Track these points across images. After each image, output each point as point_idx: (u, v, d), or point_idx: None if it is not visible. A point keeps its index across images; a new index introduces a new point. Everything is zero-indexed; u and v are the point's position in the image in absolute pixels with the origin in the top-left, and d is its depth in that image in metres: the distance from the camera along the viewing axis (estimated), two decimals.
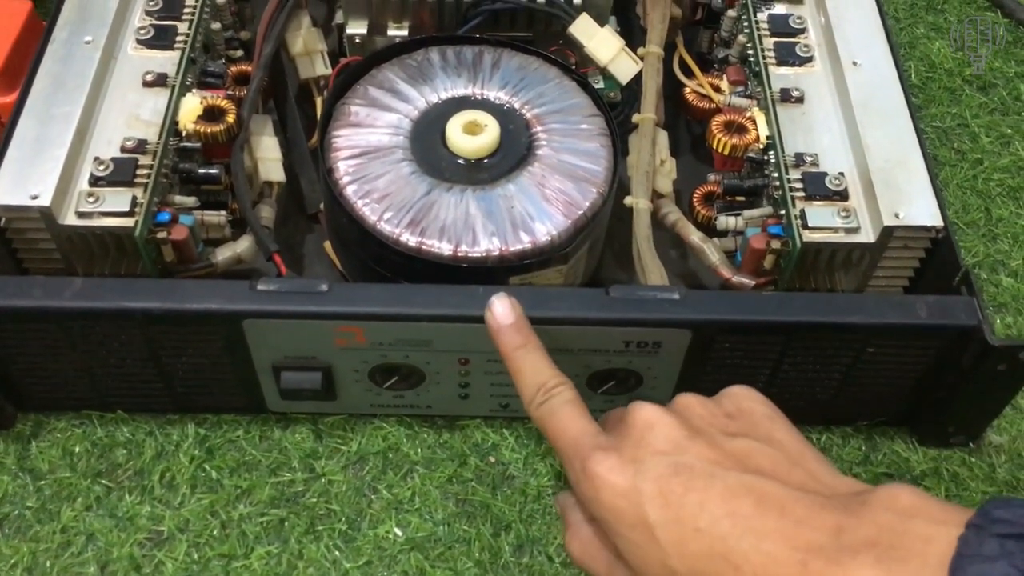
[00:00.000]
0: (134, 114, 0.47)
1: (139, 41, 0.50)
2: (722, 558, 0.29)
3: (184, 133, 0.47)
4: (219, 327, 0.41)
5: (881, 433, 0.47)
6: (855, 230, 0.45)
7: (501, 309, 0.38)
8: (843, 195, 0.45)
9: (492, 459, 0.46)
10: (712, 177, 0.52)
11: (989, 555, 0.26)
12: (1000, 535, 0.26)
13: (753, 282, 0.46)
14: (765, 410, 0.34)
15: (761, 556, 0.29)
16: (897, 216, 0.44)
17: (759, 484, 0.30)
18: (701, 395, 0.35)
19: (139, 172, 0.44)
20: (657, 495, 0.31)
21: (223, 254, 0.47)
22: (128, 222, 0.43)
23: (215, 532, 0.43)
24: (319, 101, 0.56)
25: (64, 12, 0.50)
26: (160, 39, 0.50)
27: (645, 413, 0.33)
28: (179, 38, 0.50)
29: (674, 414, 0.33)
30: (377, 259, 0.46)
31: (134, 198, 0.43)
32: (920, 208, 0.44)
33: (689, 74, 0.55)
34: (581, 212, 0.46)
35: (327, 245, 0.51)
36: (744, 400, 0.35)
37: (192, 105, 0.48)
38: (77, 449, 0.45)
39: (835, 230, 0.44)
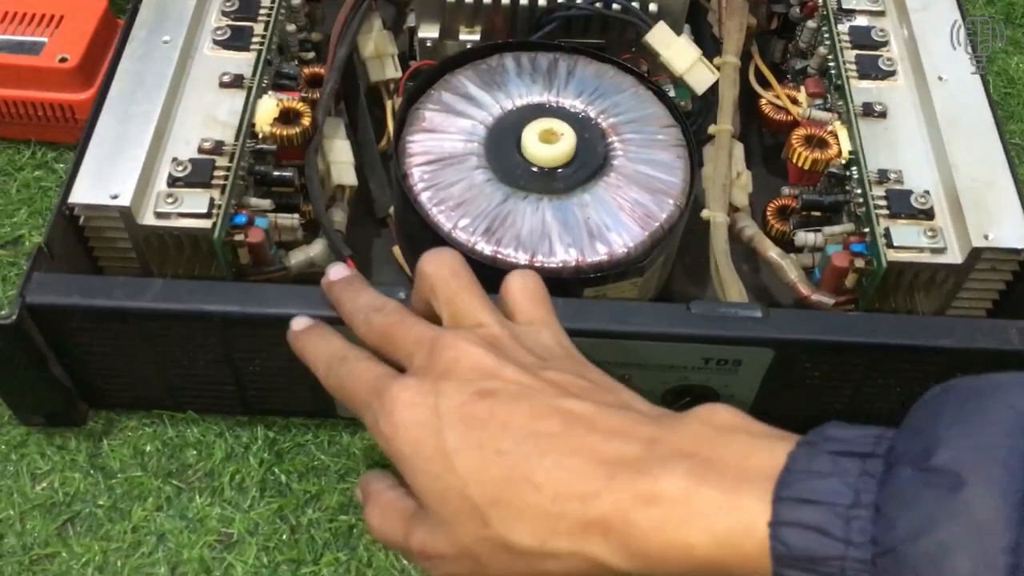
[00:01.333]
0: (211, 115, 0.47)
1: (216, 42, 0.50)
2: (523, 479, 0.27)
3: (260, 135, 0.47)
4: None
5: None
6: (941, 250, 0.43)
7: (297, 323, 0.38)
8: (929, 214, 0.44)
9: None
10: (786, 191, 0.51)
11: (820, 471, 0.24)
12: (834, 452, 0.24)
13: (833, 300, 0.46)
14: (572, 351, 0.33)
15: (563, 472, 0.27)
16: (986, 237, 0.43)
17: (568, 403, 0.28)
18: (503, 319, 0.33)
19: (216, 174, 0.44)
20: (458, 420, 0.28)
21: (296, 257, 0.47)
22: (206, 224, 0.43)
23: (284, 537, 0.43)
24: (389, 104, 0.55)
25: (142, 12, 0.50)
26: (236, 40, 0.50)
27: (451, 344, 0.31)
28: (255, 39, 0.50)
29: (482, 343, 0.31)
30: None
31: (212, 200, 0.43)
32: (1010, 230, 0.43)
33: (765, 85, 0.54)
34: (658, 224, 0.45)
35: (396, 250, 0.51)
36: (546, 340, 0.33)
37: (268, 107, 0.48)
38: (148, 448, 0.45)
39: (921, 250, 0.43)
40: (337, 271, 0.38)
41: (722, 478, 0.25)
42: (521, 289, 0.34)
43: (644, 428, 0.27)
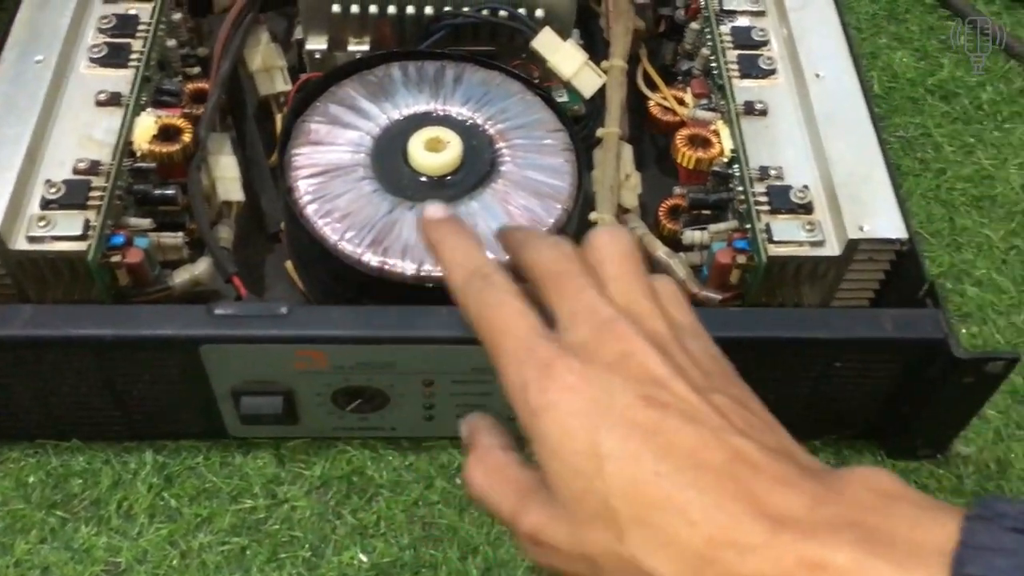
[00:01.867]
0: (87, 135, 0.46)
1: (92, 60, 0.49)
2: (678, 511, 0.25)
3: (139, 153, 0.46)
4: (176, 353, 0.40)
5: (849, 447, 0.47)
6: (820, 243, 0.44)
7: (434, 211, 0.35)
8: (808, 208, 0.45)
9: (459, 481, 0.45)
10: (677, 191, 0.52)
11: (1003, 548, 0.23)
12: (1013, 529, 0.23)
13: (720, 297, 0.46)
14: (727, 368, 0.31)
15: (724, 516, 0.25)
16: (862, 229, 0.44)
17: (735, 440, 0.26)
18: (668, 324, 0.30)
19: (92, 194, 0.43)
20: (620, 423, 0.26)
21: (180, 277, 0.46)
22: (81, 246, 0.42)
23: (174, 562, 0.42)
24: (279, 118, 0.55)
25: (14, 31, 0.49)
26: (114, 57, 0.49)
27: (624, 335, 0.28)
28: (133, 56, 0.49)
29: (653, 343, 0.28)
30: (339, 279, 0.45)
31: (87, 221, 0.42)
32: (885, 221, 0.44)
33: (653, 87, 0.55)
34: (546, 229, 0.45)
35: (288, 265, 0.50)
36: (703, 350, 0.31)
37: (147, 124, 0.47)
38: (31, 479, 0.44)
39: (800, 244, 0.44)
40: (435, 211, 0.35)
41: (892, 550, 0.23)
42: (663, 294, 0.31)
43: (807, 484, 0.25)
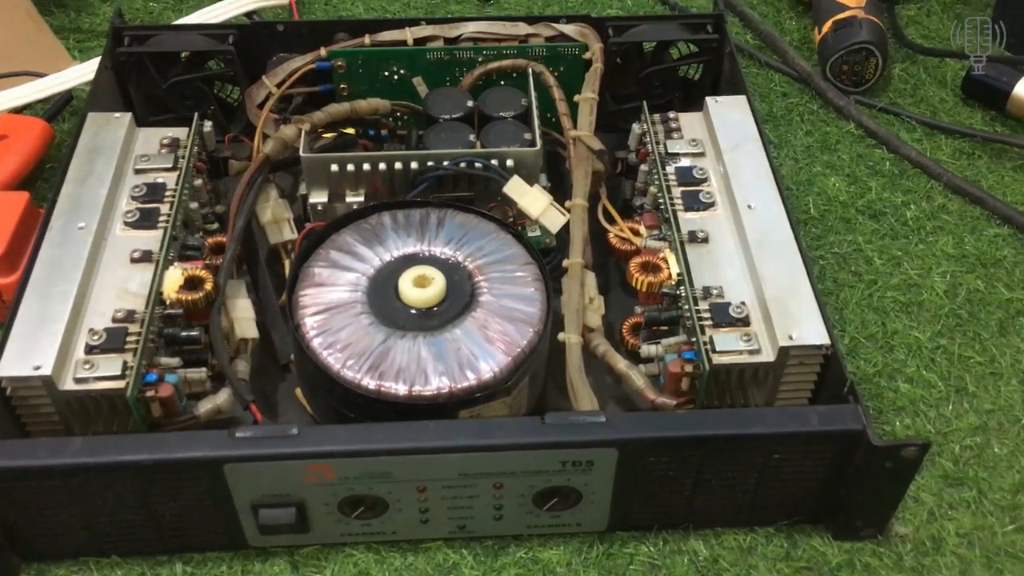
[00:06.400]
0: (123, 288, 0.54)
1: (126, 223, 0.57)
2: None
3: (168, 302, 0.54)
4: (203, 472, 0.46)
5: (800, 531, 0.53)
6: (757, 351, 0.51)
7: None
8: (745, 321, 0.52)
9: None
10: (638, 310, 0.59)
11: None
12: None
13: (674, 401, 0.53)
14: None
15: None
16: (791, 337, 0.51)
17: None
18: None
19: (129, 339, 0.51)
20: None
21: (204, 407, 0.53)
22: (120, 384, 0.49)
23: None
24: (287, 263, 0.63)
25: (60, 203, 0.57)
26: (145, 220, 0.57)
27: None
28: (162, 219, 0.57)
29: None
30: (342, 402, 0.52)
31: (124, 363, 0.50)
32: (810, 329, 0.51)
33: (612, 221, 0.63)
34: (520, 349, 0.52)
35: (298, 391, 0.57)
36: None
37: (174, 277, 0.54)
38: None
39: (740, 352, 0.51)
40: None
41: None
42: None
43: None
